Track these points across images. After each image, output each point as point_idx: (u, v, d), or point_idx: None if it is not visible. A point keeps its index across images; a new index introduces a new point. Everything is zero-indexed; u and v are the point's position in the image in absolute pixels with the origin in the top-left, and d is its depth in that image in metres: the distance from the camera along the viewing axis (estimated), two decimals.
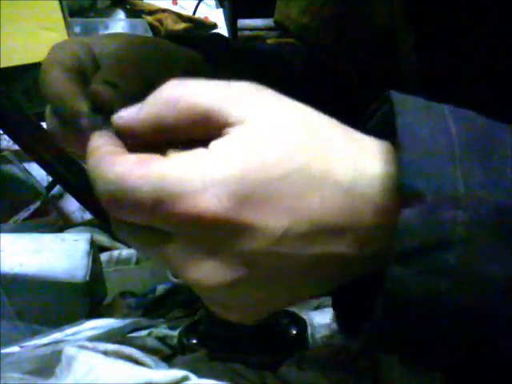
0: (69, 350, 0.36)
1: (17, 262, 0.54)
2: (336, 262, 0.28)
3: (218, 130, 0.28)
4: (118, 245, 0.78)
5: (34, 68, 1.09)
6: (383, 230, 0.26)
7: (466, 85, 0.43)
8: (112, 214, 0.29)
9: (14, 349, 0.43)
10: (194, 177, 0.26)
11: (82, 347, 0.37)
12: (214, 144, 0.27)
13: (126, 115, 0.30)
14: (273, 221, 0.26)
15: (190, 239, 0.27)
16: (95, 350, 0.37)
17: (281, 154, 0.26)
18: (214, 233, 0.26)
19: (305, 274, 0.28)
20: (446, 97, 0.39)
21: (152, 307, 0.58)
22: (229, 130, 0.27)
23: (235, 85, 0.29)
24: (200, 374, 0.36)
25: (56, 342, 0.44)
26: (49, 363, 0.38)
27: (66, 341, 0.44)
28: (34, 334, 0.47)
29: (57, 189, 0.96)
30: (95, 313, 0.56)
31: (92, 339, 0.43)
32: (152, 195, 0.26)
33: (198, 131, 0.28)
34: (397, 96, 0.28)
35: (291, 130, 0.27)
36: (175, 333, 0.46)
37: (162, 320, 0.53)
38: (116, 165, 0.27)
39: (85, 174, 0.80)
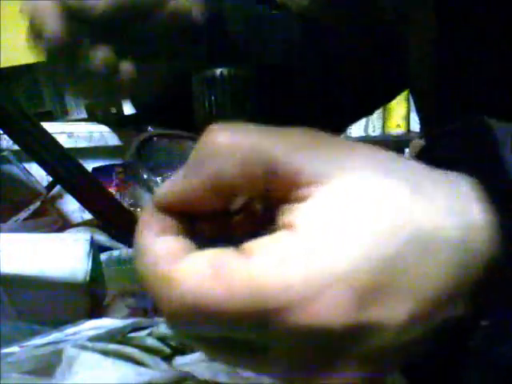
0: (69, 350, 0.36)
1: (17, 261, 0.54)
2: (453, 323, 0.24)
3: (288, 188, 0.23)
4: (118, 245, 0.78)
5: (34, 68, 1.09)
6: (495, 283, 0.24)
7: (485, 80, 0.41)
8: (178, 326, 0.24)
9: (14, 349, 0.43)
10: (295, 279, 0.21)
11: (82, 347, 0.37)
12: (299, 223, 0.22)
13: (170, 187, 0.25)
14: (397, 309, 0.22)
15: (299, 351, 0.23)
16: (95, 349, 0.37)
17: (387, 228, 0.22)
18: (333, 341, 0.22)
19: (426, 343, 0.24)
20: (459, 89, 0.37)
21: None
22: (306, 191, 0.22)
23: (298, 132, 0.24)
24: (200, 373, 0.36)
25: (56, 342, 0.44)
26: (49, 363, 0.38)
27: (66, 341, 0.44)
28: (34, 334, 0.47)
29: (57, 189, 0.96)
30: (95, 313, 0.56)
31: (92, 339, 0.43)
32: (245, 312, 0.21)
33: (258, 187, 0.23)
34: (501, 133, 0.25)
35: (388, 189, 0.22)
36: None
37: (162, 320, 0.53)
38: (184, 278, 0.22)
39: (85, 174, 0.79)
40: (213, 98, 0.42)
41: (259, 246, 0.22)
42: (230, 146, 0.23)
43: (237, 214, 0.26)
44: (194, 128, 0.42)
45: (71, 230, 0.83)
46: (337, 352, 0.22)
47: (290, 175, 0.22)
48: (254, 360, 0.24)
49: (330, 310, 0.21)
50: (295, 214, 0.22)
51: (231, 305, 0.21)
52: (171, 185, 0.25)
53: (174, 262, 0.23)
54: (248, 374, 0.39)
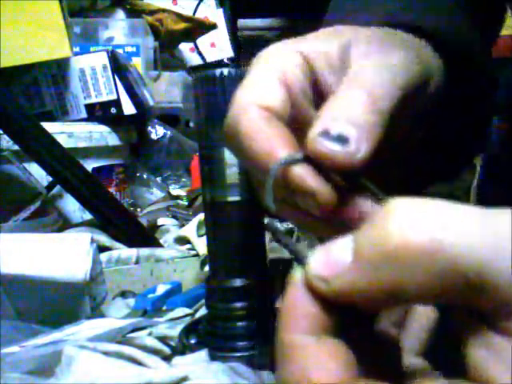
0: (69, 350, 0.36)
1: (17, 262, 0.54)
2: None
3: (495, 310, 0.18)
4: (118, 245, 0.78)
5: (33, 68, 1.09)
6: None
7: None
8: None
9: (14, 349, 0.43)
10: None
11: (82, 347, 0.37)
12: None
13: (333, 273, 0.20)
14: None
15: None
16: (95, 350, 0.37)
17: None
18: None
19: None
20: None
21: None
22: None
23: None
24: (200, 374, 0.36)
25: (56, 342, 0.44)
26: (49, 363, 0.38)
27: (65, 341, 0.44)
28: (34, 333, 0.47)
29: (57, 189, 0.96)
30: (95, 313, 0.56)
31: (92, 339, 0.43)
32: None
33: (451, 300, 0.18)
34: None
35: None
36: (175, 333, 0.46)
37: (162, 320, 0.53)
38: None
39: (85, 174, 0.79)
40: (212, 97, 0.42)
41: None
42: (428, 251, 0.17)
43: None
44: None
45: (71, 229, 0.83)
46: None
47: (505, 298, 0.17)
48: None
49: None
50: None
51: None
52: (333, 269, 0.20)
53: None
54: (249, 374, 0.39)
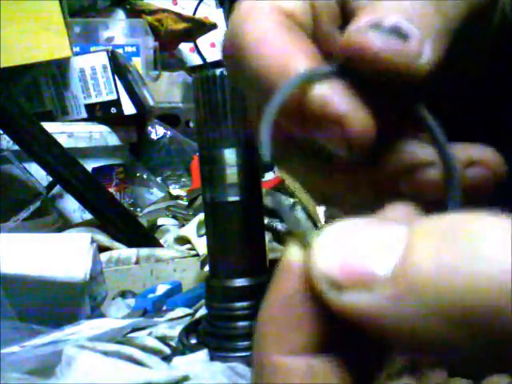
0: (69, 350, 0.36)
1: (17, 262, 0.54)
2: None
3: None
4: (118, 245, 0.78)
5: (34, 68, 1.09)
6: None
7: None
8: None
9: (14, 349, 0.43)
10: None
11: (82, 347, 0.37)
12: None
13: None
14: None
15: None
16: (95, 350, 0.37)
17: None
18: None
19: None
20: None
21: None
22: None
23: None
24: (200, 374, 0.36)
25: (56, 342, 0.44)
26: (49, 363, 0.38)
27: (65, 341, 0.44)
28: (34, 333, 0.47)
29: (57, 189, 0.96)
30: (95, 313, 0.56)
31: (92, 339, 0.43)
32: None
33: None
34: None
35: None
36: (175, 333, 0.46)
37: (162, 320, 0.53)
38: None
39: (85, 174, 0.79)
40: (212, 97, 0.42)
41: None
42: None
43: None
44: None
45: (71, 230, 0.83)
46: None
47: None
48: None
49: None
50: None
51: None
52: (357, 279, 0.13)
53: None
54: (248, 374, 0.39)
